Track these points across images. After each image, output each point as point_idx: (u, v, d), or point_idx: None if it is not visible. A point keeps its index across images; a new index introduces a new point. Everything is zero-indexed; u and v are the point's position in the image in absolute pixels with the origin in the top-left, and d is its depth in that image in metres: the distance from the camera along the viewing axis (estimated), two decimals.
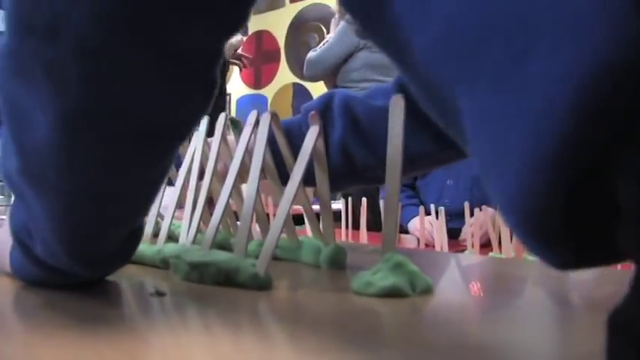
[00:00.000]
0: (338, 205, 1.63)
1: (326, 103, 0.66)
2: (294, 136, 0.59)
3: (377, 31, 0.28)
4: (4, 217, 1.08)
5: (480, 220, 1.23)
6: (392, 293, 0.40)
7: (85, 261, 0.41)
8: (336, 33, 2.18)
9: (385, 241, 0.42)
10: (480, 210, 1.16)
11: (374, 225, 1.27)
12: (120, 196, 0.39)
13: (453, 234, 1.41)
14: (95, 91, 0.33)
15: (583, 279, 0.51)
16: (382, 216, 0.43)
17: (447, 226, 1.18)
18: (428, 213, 1.28)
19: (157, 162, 0.39)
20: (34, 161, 0.36)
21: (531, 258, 1.14)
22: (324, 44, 2.26)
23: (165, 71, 0.34)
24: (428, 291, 0.42)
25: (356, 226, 1.26)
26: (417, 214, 1.22)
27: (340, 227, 1.24)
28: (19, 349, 0.30)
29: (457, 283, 0.49)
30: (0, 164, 0.40)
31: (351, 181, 0.67)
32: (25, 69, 0.33)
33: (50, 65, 0.32)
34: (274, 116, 0.48)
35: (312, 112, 0.47)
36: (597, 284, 0.50)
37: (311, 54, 2.31)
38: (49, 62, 0.32)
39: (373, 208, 1.35)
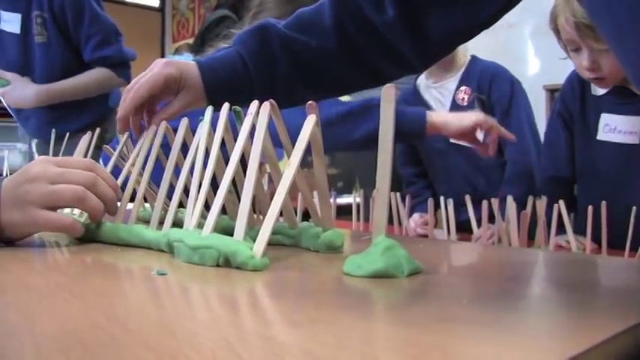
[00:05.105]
0: (349, 199, 1.66)
1: (262, 41, 0.73)
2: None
3: None
4: None
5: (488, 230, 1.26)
6: (380, 275, 0.42)
7: None
8: None
9: (376, 227, 0.44)
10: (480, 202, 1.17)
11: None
12: None
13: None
14: None
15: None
16: (374, 204, 0.44)
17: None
18: (437, 206, 1.30)
19: None
20: None
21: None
22: None
23: None
24: (417, 272, 0.44)
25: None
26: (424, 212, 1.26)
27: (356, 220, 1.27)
28: (24, 318, 0.32)
29: (448, 266, 0.51)
30: None
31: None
32: None
33: None
34: (273, 106, 0.50)
35: (310, 102, 0.49)
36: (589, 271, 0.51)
37: None
38: None
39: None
